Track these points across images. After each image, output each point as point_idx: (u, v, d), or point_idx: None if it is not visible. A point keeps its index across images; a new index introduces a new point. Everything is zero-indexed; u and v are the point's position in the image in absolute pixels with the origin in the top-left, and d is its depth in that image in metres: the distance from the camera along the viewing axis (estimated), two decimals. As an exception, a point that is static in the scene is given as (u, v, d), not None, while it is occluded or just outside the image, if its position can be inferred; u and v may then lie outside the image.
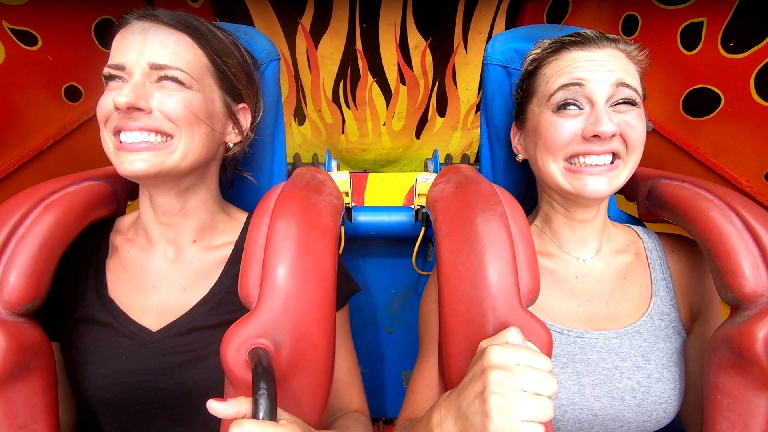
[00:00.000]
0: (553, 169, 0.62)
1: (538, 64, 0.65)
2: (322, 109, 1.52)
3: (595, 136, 0.57)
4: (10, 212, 0.54)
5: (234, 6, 1.23)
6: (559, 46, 0.63)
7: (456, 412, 0.47)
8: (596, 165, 0.59)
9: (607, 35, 0.61)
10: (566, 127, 0.59)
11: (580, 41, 0.61)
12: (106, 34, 0.59)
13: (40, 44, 0.86)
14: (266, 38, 0.74)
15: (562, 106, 0.60)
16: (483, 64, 0.77)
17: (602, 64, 0.59)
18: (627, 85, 0.58)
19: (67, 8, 0.89)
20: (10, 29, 0.81)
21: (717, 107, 0.90)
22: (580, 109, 0.60)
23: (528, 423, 0.41)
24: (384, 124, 1.58)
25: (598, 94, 0.58)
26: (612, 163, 0.60)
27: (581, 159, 0.60)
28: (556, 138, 0.60)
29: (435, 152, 0.98)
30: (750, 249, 0.54)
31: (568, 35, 0.62)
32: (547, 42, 0.66)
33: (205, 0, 1.21)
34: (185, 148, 0.57)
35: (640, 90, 0.61)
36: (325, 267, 0.53)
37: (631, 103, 0.59)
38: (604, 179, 0.59)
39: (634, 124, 0.59)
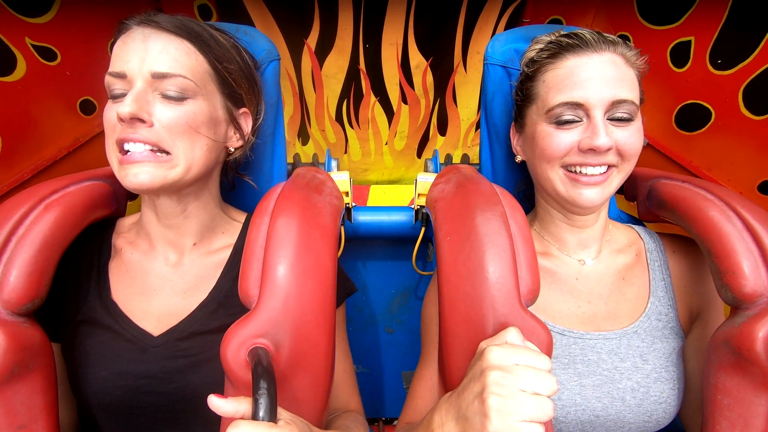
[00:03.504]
0: (553, 177, 0.63)
1: (537, 68, 0.64)
2: (325, 128, 1.55)
3: (591, 149, 0.59)
4: (10, 212, 0.54)
5: (241, 23, 1.29)
6: (557, 50, 0.62)
7: (456, 413, 0.47)
8: (592, 175, 0.61)
9: (606, 36, 0.61)
10: (563, 139, 0.60)
11: (577, 44, 0.60)
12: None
13: (59, 60, 0.90)
14: (266, 38, 0.75)
15: (561, 119, 0.61)
16: (484, 64, 0.79)
17: (600, 78, 0.58)
18: (624, 101, 0.58)
19: (86, 26, 0.93)
20: (32, 45, 0.85)
21: (708, 121, 0.92)
22: (578, 121, 0.60)
23: (527, 423, 0.41)
24: (386, 144, 1.61)
25: (596, 108, 0.58)
26: (606, 171, 0.61)
27: (577, 168, 0.61)
28: (553, 149, 0.61)
29: (435, 152, 0.99)
30: (750, 249, 0.54)
31: (565, 36, 0.62)
32: (544, 41, 0.66)
33: (215, 19, 1.27)
34: (187, 162, 0.57)
35: (638, 99, 0.61)
36: (325, 266, 0.53)
37: (628, 119, 0.59)
38: (598, 189, 0.61)
39: (631, 139, 0.59)
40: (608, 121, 0.59)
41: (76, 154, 0.96)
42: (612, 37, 0.61)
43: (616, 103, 0.58)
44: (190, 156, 0.58)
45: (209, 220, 0.67)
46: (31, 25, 0.84)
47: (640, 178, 0.74)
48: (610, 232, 0.71)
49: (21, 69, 0.83)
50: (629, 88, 0.59)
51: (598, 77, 0.58)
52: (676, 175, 0.70)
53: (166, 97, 0.56)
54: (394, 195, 1.53)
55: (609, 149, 0.58)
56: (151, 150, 0.56)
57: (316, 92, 1.46)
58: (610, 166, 0.61)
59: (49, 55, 0.88)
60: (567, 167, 0.62)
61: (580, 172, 0.61)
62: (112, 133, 0.57)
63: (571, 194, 0.61)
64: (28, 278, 0.52)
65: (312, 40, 1.34)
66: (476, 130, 1.61)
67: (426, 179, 0.85)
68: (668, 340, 0.65)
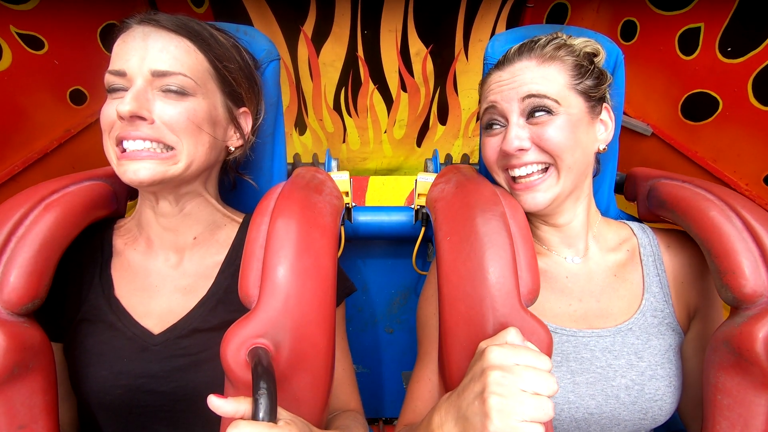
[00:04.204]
0: (500, 181, 0.66)
1: (480, 85, 0.71)
2: (323, 117, 1.53)
3: (505, 152, 0.62)
4: (10, 212, 0.54)
5: (236, 12, 1.25)
6: (489, 70, 0.68)
7: (456, 413, 0.47)
8: (523, 178, 0.62)
9: (529, 42, 0.63)
10: (491, 145, 0.65)
11: (500, 62, 0.65)
12: (110, 39, 0.59)
13: (46, 48, 0.87)
14: (266, 38, 0.74)
15: (488, 126, 0.66)
16: (483, 63, 0.78)
17: (508, 82, 0.62)
18: (534, 95, 0.59)
19: (73, 13, 0.91)
20: (18, 33, 0.82)
21: (715, 111, 0.91)
22: (501, 126, 0.64)
23: (528, 423, 0.41)
24: (385, 132, 1.58)
25: (508, 112, 0.62)
26: (546, 171, 0.62)
27: (510, 172, 0.64)
28: (487, 156, 0.66)
29: (435, 152, 0.98)
30: (750, 249, 0.54)
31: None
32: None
33: (207, 5, 1.23)
34: (189, 159, 0.57)
35: (556, 93, 0.60)
36: (325, 267, 0.53)
37: (546, 111, 0.60)
38: (538, 193, 0.61)
39: (549, 135, 0.59)
40: (529, 120, 0.61)
41: (67, 145, 0.95)
42: (539, 41, 0.63)
43: (526, 99, 0.60)
44: (193, 152, 0.58)
45: (208, 219, 0.67)
46: (14, 12, 0.81)
47: (640, 178, 0.74)
48: (598, 229, 0.70)
49: (7, 59, 0.81)
50: (542, 83, 0.60)
51: (506, 82, 0.62)
52: (676, 174, 0.69)
53: (166, 94, 0.56)
54: (393, 186, 1.52)
55: (520, 150, 0.60)
56: (153, 146, 0.56)
57: (314, 81, 1.43)
58: (548, 167, 0.62)
59: (35, 43, 0.85)
60: (506, 171, 0.65)
61: (516, 176, 0.63)
62: (111, 129, 0.56)
63: (518, 201, 0.63)
64: (28, 278, 0.52)
65: (308, 27, 1.30)
66: (477, 120, 1.58)
67: (426, 179, 0.85)
68: (664, 336, 0.64)
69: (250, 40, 0.73)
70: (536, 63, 0.61)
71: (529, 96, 0.60)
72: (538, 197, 0.61)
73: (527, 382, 0.43)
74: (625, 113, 1.07)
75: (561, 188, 0.62)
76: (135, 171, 0.54)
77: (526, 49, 0.62)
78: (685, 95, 0.96)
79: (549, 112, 0.60)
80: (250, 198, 0.78)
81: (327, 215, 0.58)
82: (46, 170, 0.90)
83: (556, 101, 0.60)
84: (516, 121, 0.61)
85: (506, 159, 0.63)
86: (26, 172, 0.86)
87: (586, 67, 0.62)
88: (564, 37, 0.63)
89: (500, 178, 0.66)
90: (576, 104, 0.61)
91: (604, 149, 0.66)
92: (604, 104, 0.65)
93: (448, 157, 1.01)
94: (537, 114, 0.60)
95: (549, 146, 0.60)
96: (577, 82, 0.61)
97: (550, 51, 0.61)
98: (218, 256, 0.66)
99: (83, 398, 0.60)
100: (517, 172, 0.62)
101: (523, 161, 0.61)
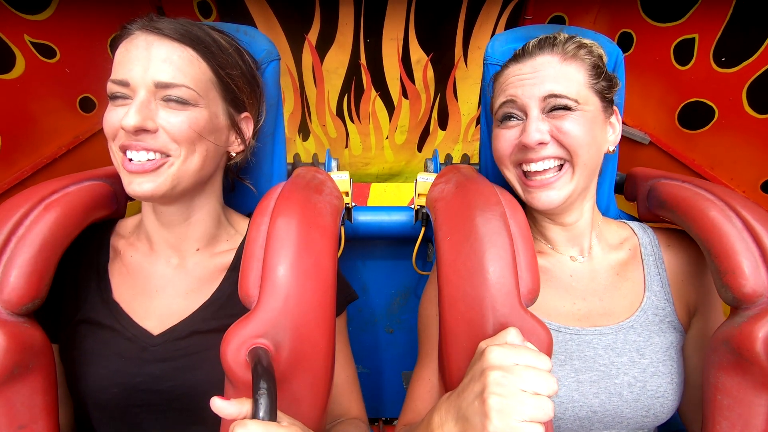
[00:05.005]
0: (510, 178, 0.66)
1: (494, 78, 0.71)
2: (326, 123, 1.55)
3: (524, 145, 0.61)
4: (10, 212, 0.54)
5: (242, 21, 1.28)
6: (504, 64, 0.68)
7: (456, 413, 0.47)
8: (538, 173, 0.62)
9: (549, 38, 0.63)
10: (506, 138, 0.64)
11: (518, 55, 0.65)
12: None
13: (58, 57, 0.89)
14: (266, 38, 0.75)
15: (504, 119, 0.65)
16: (484, 63, 0.79)
17: (530, 77, 0.62)
18: (556, 95, 0.60)
19: (85, 23, 0.93)
20: (31, 42, 0.84)
21: (711, 120, 0.92)
22: (518, 120, 0.64)
23: (528, 423, 0.41)
24: (387, 138, 1.61)
25: (529, 107, 0.62)
26: (561, 169, 0.62)
27: (524, 167, 0.63)
28: (500, 148, 0.65)
29: (435, 152, 0.99)
30: (750, 249, 0.54)
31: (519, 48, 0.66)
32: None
33: (215, 15, 1.26)
34: (185, 165, 0.57)
35: (575, 92, 0.61)
36: (325, 267, 0.53)
37: (565, 107, 0.60)
38: (553, 191, 0.62)
39: (567, 129, 0.60)
40: (547, 114, 0.61)
41: (75, 151, 0.96)
42: (559, 38, 0.63)
43: (547, 98, 0.60)
44: (190, 157, 0.58)
45: (213, 226, 0.67)
46: (29, 23, 0.83)
47: (640, 178, 0.74)
48: (600, 228, 0.71)
49: (20, 66, 0.83)
50: (563, 83, 0.61)
51: (528, 77, 0.62)
52: (676, 175, 0.70)
53: (169, 103, 0.56)
54: (395, 193, 1.54)
55: (540, 143, 0.60)
56: (156, 156, 0.56)
57: (317, 87, 1.45)
58: (562, 164, 0.62)
59: (48, 52, 0.87)
60: (518, 166, 0.64)
61: (530, 171, 0.63)
62: (114, 137, 0.57)
63: (528, 198, 0.63)
64: (28, 278, 0.52)
65: (313, 36, 1.33)
66: (476, 125, 1.60)
67: (426, 179, 0.86)
68: (665, 334, 0.64)
69: (250, 40, 0.73)
70: (559, 59, 0.62)
71: (551, 96, 0.60)
72: (552, 195, 0.62)
73: (527, 382, 0.42)
74: (623, 122, 1.09)
75: (575, 186, 0.62)
76: (139, 183, 0.55)
77: (548, 44, 0.63)
78: (682, 104, 0.97)
79: (568, 108, 0.60)
80: (250, 198, 0.78)
81: (327, 215, 0.58)
82: (53, 176, 0.91)
83: (576, 100, 0.60)
84: (536, 115, 0.61)
85: (522, 153, 0.63)
86: (34, 178, 0.87)
87: (601, 68, 0.63)
88: (578, 38, 0.64)
89: (511, 173, 0.66)
90: (593, 102, 0.62)
91: (613, 150, 0.67)
92: (614, 107, 0.66)
93: (448, 158, 1.02)
94: (554, 108, 0.61)
95: (568, 140, 0.60)
96: (595, 81, 0.62)
97: (572, 50, 0.62)
98: (221, 260, 0.66)
99: (79, 398, 0.60)
100: (533, 167, 0.62)
101: (541, 155, 0.61)
